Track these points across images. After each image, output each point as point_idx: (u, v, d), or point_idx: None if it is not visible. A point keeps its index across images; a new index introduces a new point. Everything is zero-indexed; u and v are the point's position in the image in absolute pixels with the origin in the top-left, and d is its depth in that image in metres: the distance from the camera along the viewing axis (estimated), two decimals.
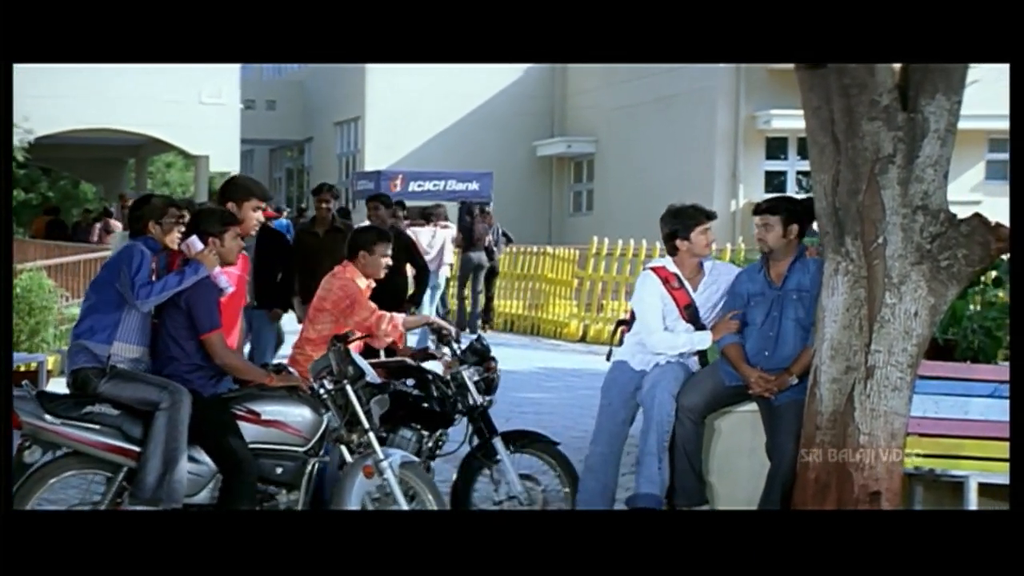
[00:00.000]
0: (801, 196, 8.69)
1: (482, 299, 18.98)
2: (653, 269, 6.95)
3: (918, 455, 6.49)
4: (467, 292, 18.84)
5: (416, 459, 6.48)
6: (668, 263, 6.92)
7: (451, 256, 17.89)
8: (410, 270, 10.61)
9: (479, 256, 18.67)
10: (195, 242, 6.21)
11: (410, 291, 10.46)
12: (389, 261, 7.12)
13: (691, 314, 6.82)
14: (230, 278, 6.37)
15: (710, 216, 6.91)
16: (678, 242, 6.85)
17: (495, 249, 19.03)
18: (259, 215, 6.81)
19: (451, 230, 18.15)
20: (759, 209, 6.72)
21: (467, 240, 18.68)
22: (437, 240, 17.11)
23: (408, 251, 10.35)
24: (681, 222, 6.85)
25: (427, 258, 15.39)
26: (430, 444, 6.81)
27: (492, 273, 19.23)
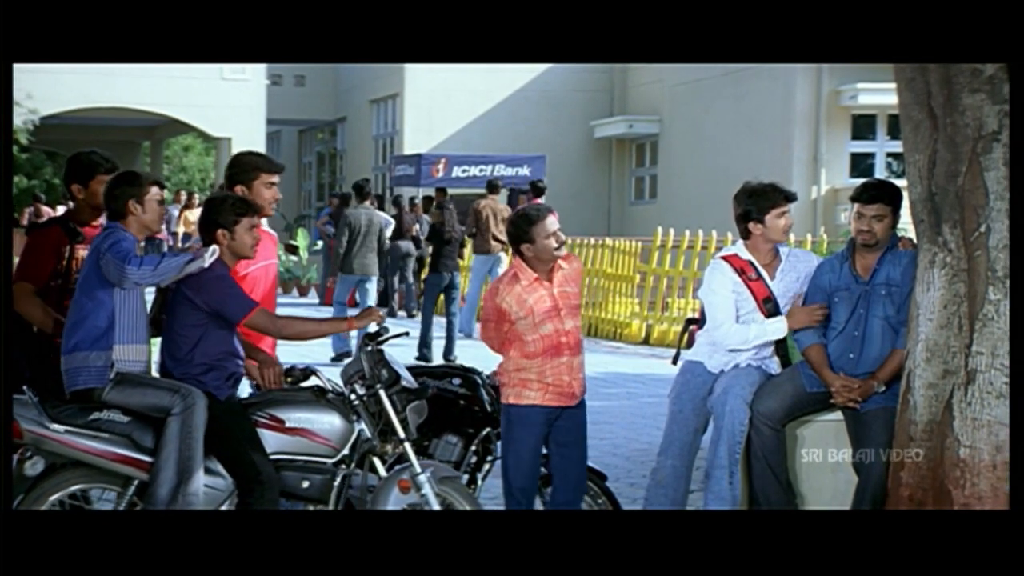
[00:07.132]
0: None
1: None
2: (725, 258, 6.90)
3: None
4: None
5: (456, 473, 6.48)
6: (741, 250, 6.86)
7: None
8: None
9: (407, 245, 21.64)
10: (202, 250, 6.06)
11: None
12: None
13: (771, 308, 6.76)
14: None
15: (789, 198, 6.83)
16: (751, 225, 6.79)
17: (422, 239, 21.28)
18: (274, 192, 6.57)
19: None
20: (871, 197, 6.59)
21: (396, 230, 20.90)
22: None
23: None
24: (756, 203, 6.77)
25: None
26: (477, 449, 6.80)
27: (420, 262, 21.56)
